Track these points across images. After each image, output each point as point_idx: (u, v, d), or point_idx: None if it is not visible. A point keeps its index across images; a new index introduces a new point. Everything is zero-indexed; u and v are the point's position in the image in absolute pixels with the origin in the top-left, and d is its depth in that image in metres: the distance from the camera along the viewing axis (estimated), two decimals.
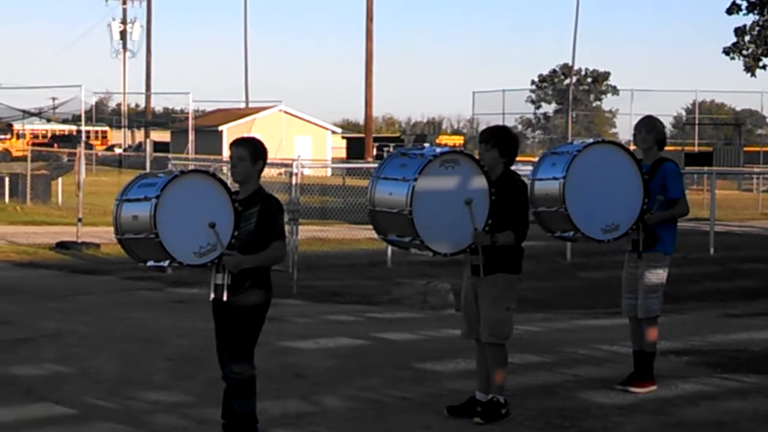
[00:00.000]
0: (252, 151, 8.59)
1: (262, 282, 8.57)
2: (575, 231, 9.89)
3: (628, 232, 10.24)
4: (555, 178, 9.79)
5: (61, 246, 24.87)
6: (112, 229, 8.53)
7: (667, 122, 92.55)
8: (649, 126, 10.89)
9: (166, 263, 8.23)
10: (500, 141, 9.63)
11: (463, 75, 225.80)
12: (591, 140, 10.47)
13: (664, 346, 11.31)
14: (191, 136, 71.34)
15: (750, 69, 37.34)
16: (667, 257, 10.62)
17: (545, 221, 10.14)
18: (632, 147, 10.65)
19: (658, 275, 10.56)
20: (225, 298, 8.42)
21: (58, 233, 27.09)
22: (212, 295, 8.49)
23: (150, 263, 8.33)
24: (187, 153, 63.08)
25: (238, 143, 8.68)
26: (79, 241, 24.97)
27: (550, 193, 9.85)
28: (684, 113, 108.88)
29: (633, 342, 10.87)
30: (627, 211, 10.14)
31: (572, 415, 9.93)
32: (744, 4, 37.39)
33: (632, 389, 10.60)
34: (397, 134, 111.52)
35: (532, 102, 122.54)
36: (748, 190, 53.59)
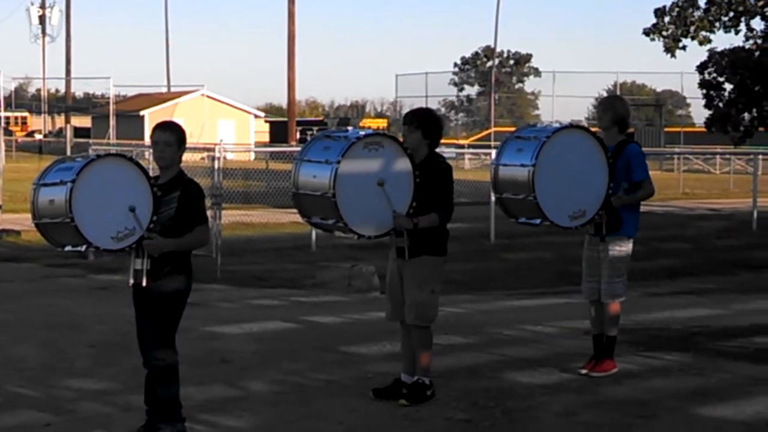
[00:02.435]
0: (178, 136, 8.56)
1: (183, 267, 8.51)
2: (542, 218, 9.84)
3: (594, 218, 10.19)
4: (523, 165, 9.72)
5: None
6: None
7: (589, 103, 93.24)
8: (605, 105, 10.89)
9: (83, 248, 8.17)
10: (423, 123, 9.62)
11: (386, 58, 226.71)
12: (558, 125, 10.33)
13: (588, 326, 11.35)
14: (112, 122, 71.08)
15: (670, 50, 37.56)
16: (630, 240, 10.58)
17: (509, 207, 10.14)
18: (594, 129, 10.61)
19: (621, 259, 10.53)
20: (145, 283, 8.36)
21: None
22: (132, 281, 8.42)
23: (68, 248, 8.28)
24: (109, 138, 62.72)
25: (164, 128, 8.60)
26: (0, 227, 24.70)
27: (518, 180, 9.81)
28: (605, 94, 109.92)
29: (593, 326, 10.84)
30: (593, 197, 10.12)
31: (497, 395, 9.95)
32: None
33: (594, 372, 10.56)
34: (321, 118, 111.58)
35: (455, 84, 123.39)
36: (669, 170, 54.11)
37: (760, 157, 35.34)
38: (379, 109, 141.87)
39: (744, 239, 25.64)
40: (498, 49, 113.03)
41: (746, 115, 37.81)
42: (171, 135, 8.54)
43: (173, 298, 8.50)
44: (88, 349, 11.82)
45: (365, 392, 9.82)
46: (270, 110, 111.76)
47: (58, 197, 8.07)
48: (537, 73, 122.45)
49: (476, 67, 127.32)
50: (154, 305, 8.48)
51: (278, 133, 78.86)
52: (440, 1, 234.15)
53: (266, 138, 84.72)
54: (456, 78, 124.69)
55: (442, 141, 10.73)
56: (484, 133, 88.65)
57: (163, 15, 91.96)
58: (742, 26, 37.64)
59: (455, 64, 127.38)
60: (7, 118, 78.71)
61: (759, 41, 37.76)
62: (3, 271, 19.13)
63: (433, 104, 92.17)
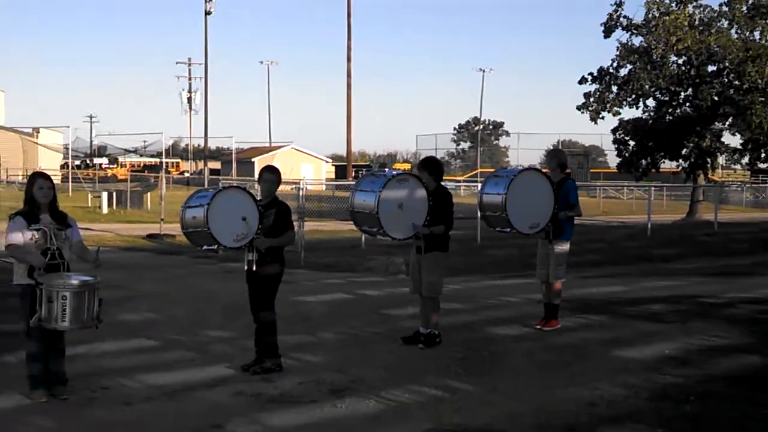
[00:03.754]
0: (279, 177, 8.74)
1: (278, 258, 8.54)
2: (512, 228, 9.89)
3: (544, 228, 10.21)
4: (499, 194, 9.83)
5: (150, 237, 24.76)
6: None
7: (541, 153, 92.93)
8: (551, 155, 11.35)
9: (215, 247, 8.19)
10: (429, 166, 9.78)
11: (409, 123, 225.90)
12: (521, 168, 10.51)
13: (541, 297, 11.27)
14: (234, 165, 71.35)
15: (593, 119, 37.73)
16: (568, 242, 10.61)
17: (490, 221, 10.17)
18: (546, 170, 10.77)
19: (562, 254, 10.56)
20: (254, 269, 8.39)
21: (148, 228, 26.94)
22: (246, 267, 8.44)
23: (205, 247, 8.31)
24: (232, 176, 62.91)
25: (273, 171, 8.76)
26: (162, 233, 24.84)
27: (495, 203, 9.89)
28: (552, 147, 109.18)
29: (544, 296, 10.86)
30: (544, 214, 10.13)
31: (483, 342, 9.95)
32: (589, 78, 37.94)
33: (545, 328, 10.58)
34: (368, 162, 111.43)
35: (454, 141, 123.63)
36: (593, 197, 53.67)
37: (652, 188, 35.19)
38: (405, 157, 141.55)
39: (642, 242, 25.49)
40: (482, 119, 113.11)
41: (643, 162, 37.82)
42: (277, 177, 8.68)
43: (273, 278, 8.52)
44: (219, 311, 11.83)
45: (397, 339, 9.81)
46: (334, 158, 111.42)
47: (198, 215, 8.12)
48: (507, 134, 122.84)
49: (468, 130, 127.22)
50: (261, 283, 8.49)
51: (340, 172, 79.02)
52: (445, 86, 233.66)
53: (333, 175, 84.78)
54: (455, 137, 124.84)
55: (446, 178, 10.76)
56: (473, 173, 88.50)
57: (266, 93, 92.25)
58: (641, 104, 37.72)
59: (454, 128, 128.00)
60: (167, 163, 79.04)
61: (651, 113, 37.82)
62: (165, 261, 19.23)
63: (440, 154, 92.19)
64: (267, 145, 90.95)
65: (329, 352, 9.44)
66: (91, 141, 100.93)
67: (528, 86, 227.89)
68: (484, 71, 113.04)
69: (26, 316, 7.27)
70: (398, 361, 9.02)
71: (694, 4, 36.51)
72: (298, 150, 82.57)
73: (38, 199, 7.51)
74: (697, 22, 36.29)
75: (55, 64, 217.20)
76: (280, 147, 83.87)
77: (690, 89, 36.85)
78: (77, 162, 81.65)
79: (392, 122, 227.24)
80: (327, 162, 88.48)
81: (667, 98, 37.66)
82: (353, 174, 63.62)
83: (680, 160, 38.01)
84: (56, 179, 41.93)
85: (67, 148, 71.02)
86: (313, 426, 6.87)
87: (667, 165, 40.94)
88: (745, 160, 38.42)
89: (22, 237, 7.32)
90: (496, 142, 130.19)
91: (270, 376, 8.30)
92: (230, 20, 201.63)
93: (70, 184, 52.97)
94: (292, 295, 12.86)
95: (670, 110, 37.74)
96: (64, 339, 7.64)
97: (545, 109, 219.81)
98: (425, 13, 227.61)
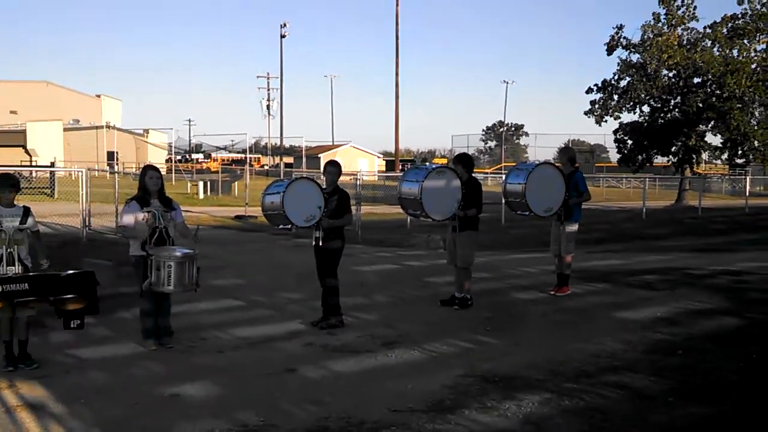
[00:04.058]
0: (340, 169, 8.75)
1: (340, 235, 8.57)
2: (530, 211, 9.82)
3: (557, 212, 10.13)
4: (519, 183, 9.76)
5: (237, 217, 24.84)
6: None
7: (554, 150, 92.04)
8: (562, 151, 11.12)
9: (289, 226, 8.24)
10: (462, 160, 9.70)
11: (446, 124, 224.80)
12: (538, 162, 10.41)
13: (554, 268, 11.16)
14: (304, 160, 71.76)
15: (598, 122, 37.40)
16: (577, 223, 10.51)
17: (512, 205, 10.10)
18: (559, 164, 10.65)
19: (572, 233, 10.48)
20: (320, 244, 8.42)
21: (235, 211, 27.09)
22: (314, 243, 8.47)
23: (281, 226, 8.35)
24: (302, 169, 63.20)
25: (334, 165, 8.79)
26: (246, 215, 24.96)
27: (516, 191, 9.81)
28: (563, 145, 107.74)
29: (556, 267, 10.77)
30: (556, 200, 10.03)
31: (507, 304, 9.88)
32: (595, 88, 37.55)
33: (557, 293, 10.51)
34: (412, 158, 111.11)
35: (483, 140, 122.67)
36: (597, 186, 53.01)
37: (647, 179, 34.78)
38: (442, 154, 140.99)
39: (638, 223, 25.09)
40: (506, 122, 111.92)
41: (639, 157, 37.34)
42: (338, 169, 8.70)
43: (336, 251, 8.54)
44: (293, 278, 11.89)
45: (436, 302, 9.80)
46: (385, 153, 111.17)
47: (276, 200, 8.17)
48: (527, 134, 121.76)
49: (494, 131, 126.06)
50: (326, 255, 8.52)
51: (390, 165, 78.90)
52: (475, 95, 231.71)
53: (383, 168, 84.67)
54: (483, 137, 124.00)
55: (476, 170, 10.69)
56: (498, 166, 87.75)
57: (329, 99, 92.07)
58: (638, 109, 37.27)
59: (483, 129, 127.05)
60: (250, 158, 79.52)
61: (646, 118, 37.29)
62: (248, 237, 19.35)
63: (471, 151, 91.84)
64: (330, 143, 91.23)
65: (381, 311, 9.45)
66: (189, 140, 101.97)
67: (544, 95, 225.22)
68: (507, 83, 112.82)
69: (140, 281, 7.39)
70: (437, 319, 9.01)
71: (683, 27, 35.95)
72: (355, 147, 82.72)
73: (149, 186, 7.62)
74: (685, 42, 35.78)
75: (160, 73, 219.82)
76: (340, 145, 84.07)
77: (679, 97, 36.30)
78: (179, 157, 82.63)
79: (432, 124, 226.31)
80: (379, 157, 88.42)
81: (659, 105, 37.09)
82: (400, 167, 63.58)
83: (670, 156, 37.46)
84: (162, 171, 42.55)
85: (170, 146, 72.01)
86: (369, 371, 6.90)
87: (660, 160, 40.36)
88: (725, 156, 37.81)
89: (133, 218, 7.44)
90: (518, 141, 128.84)
91: (334, 330, 8.34)
92: (301, 41, 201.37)
93: (173, 175, 53.66)
94: (352, 265, 12.89)
95: (662, 115, 37.16)
96: (170, 299, 7.76)
97: (558, 113, 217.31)
98: (461, 34, 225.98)
